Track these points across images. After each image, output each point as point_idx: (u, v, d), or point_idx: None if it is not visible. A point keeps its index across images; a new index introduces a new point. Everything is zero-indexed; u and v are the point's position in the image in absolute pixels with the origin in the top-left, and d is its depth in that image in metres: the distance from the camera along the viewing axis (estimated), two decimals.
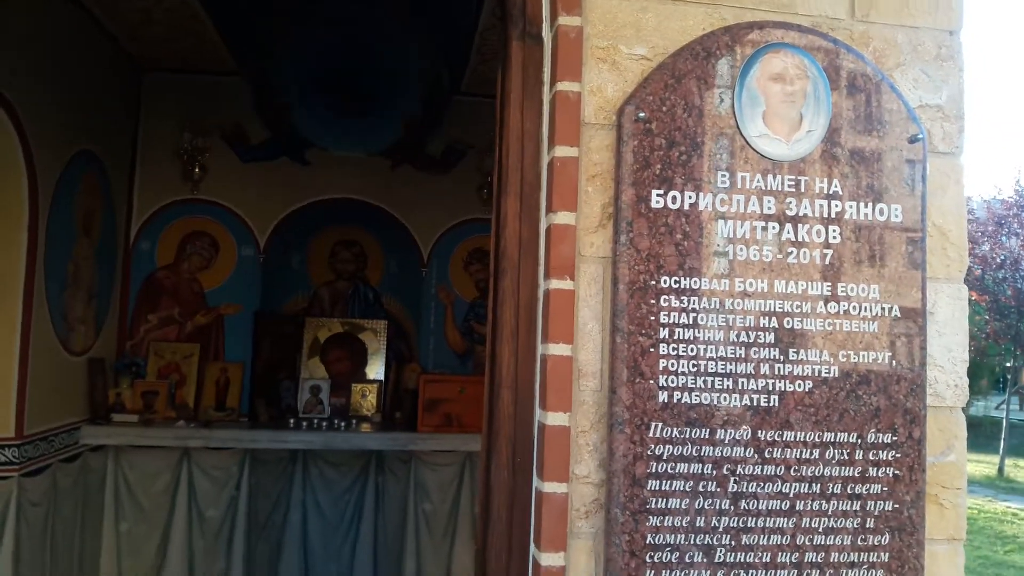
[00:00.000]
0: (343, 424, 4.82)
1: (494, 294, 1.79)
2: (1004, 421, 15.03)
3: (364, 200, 5.36)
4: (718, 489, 1.56)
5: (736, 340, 1.59)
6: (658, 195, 1.61)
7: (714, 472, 1.56)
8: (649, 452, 1.54)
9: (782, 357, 1.60)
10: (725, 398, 1.58)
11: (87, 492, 4.31)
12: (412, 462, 4.83)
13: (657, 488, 1.54)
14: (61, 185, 3.91)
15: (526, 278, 1.74)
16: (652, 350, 1.57)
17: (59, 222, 3.91)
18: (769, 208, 1.64)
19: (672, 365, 1.57)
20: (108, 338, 4.75)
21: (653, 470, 1.54)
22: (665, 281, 1.59)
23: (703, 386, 1.57)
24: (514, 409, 1.71)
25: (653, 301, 1.58)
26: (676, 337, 1.58)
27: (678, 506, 1.54)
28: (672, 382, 1.56)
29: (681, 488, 1.55)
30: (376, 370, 5.31)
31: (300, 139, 5.09)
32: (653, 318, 1.57)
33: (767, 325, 1.61)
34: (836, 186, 1.66)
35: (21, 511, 3.56)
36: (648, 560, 1.53)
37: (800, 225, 1.65)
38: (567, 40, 1.68)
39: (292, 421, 4.82)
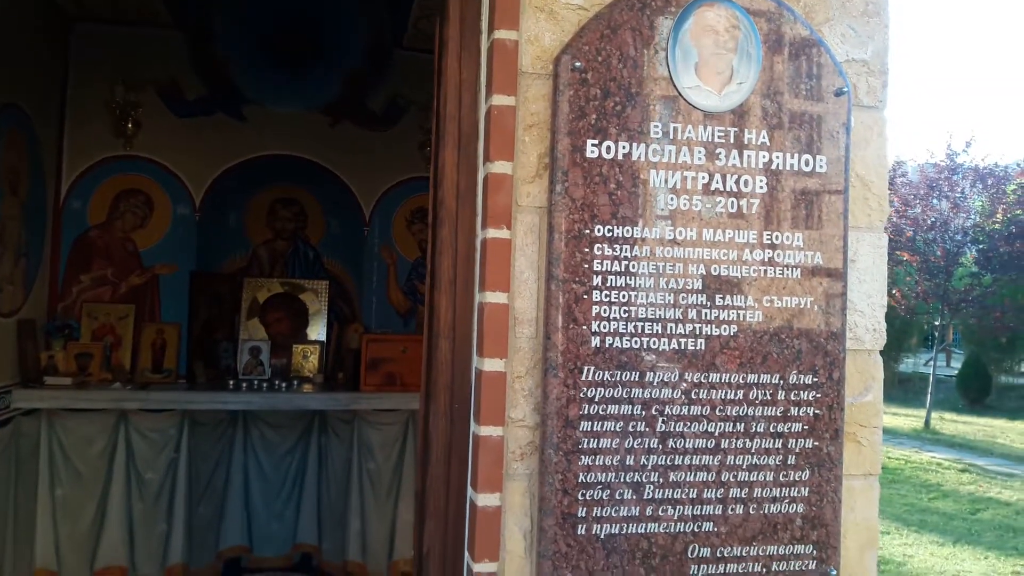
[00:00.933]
0: (284, 385, 4.78)
1: (432, 244, 1.80)
2: (931, 377, 15.66)
3: (303, 157, 5.26)
4: (647, 429, 1.61)
5: (666, 287, 1.64)
6: (593, 145, 1.63)
7: (643, 413, 1.61)
8: (582, 395, 1.59)
9: (709, 303, 1.66)
10: (654, 342, 1.62)
11: (20, 458, 4.19)
12: (355, 422, 4.82)
13: (589, 429, 1.59)
14: None
15: (464, 228, 1.76)
16: (586, 297, 1.60)
17: None
18: (700, 159, 1.68)
19: (605, 311, 1.61)
20: (39, 299, 4.60)
21: (585, 412, 1.59)
22: (599, 230, 1.62)
23: (634, 331, 1.62)
24: (452, 357, 1.74)
25: (587, 249, 1.61)
26: (609, 284, 1.61)
27: (609, 446, 1.59)
28: (604, 327, 1.60)
29: (612, 429, 1.60)
30: (318, 331, 5.26)
31: (237, 94, 4.95)
32: (587, 266, 1.61)
33: (695, 272, 1.65)
34: (764, 137, 1.71)
35: None
36: (580, 498, 1.58)
37: (729, 175, 1.69)
38: None
39: (232, 382, 4.77)
